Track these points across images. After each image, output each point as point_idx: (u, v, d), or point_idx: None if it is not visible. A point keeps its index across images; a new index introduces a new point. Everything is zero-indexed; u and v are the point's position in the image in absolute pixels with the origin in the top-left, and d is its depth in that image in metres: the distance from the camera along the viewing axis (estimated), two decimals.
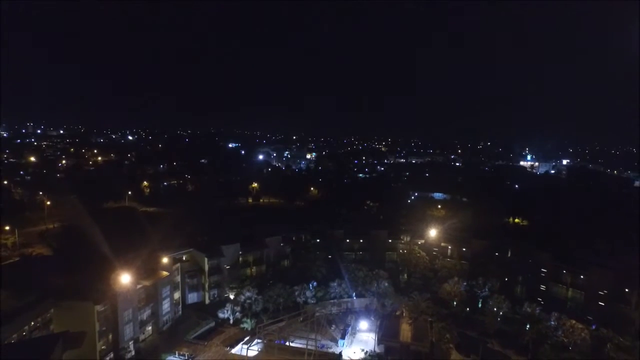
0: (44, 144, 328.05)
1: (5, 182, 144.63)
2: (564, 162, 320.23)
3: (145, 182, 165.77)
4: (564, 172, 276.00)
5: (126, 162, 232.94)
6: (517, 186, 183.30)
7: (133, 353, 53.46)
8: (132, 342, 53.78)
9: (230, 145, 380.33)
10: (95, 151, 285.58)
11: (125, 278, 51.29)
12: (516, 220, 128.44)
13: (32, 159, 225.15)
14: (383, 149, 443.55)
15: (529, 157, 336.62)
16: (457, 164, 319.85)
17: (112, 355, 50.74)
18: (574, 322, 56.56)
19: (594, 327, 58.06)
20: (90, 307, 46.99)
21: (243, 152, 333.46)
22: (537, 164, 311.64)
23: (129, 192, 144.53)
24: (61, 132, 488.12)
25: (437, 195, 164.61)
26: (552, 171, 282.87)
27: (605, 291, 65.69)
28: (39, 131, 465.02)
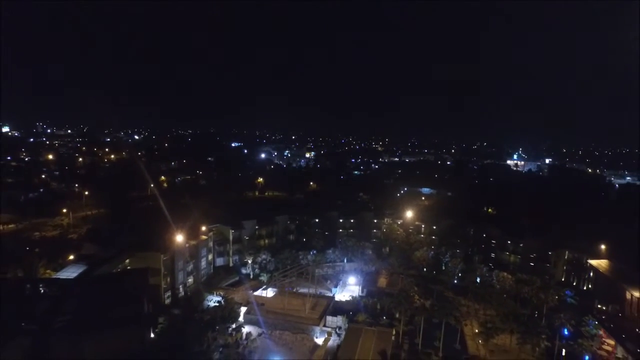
0: (56, 143, 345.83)
1: (43, 177, 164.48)
2: (547, 161, 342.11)
3: (162, 177, 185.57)
4: (545, 170, 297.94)
5: (143, 159, 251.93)
6: (496, 181, 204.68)
7: (182, 294, 73.54)
8: (181, 285, 73.97)
9: (233, 145, 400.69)
10: (107, 149, 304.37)
11: (179, 237, 71.53)
12: (489, 210, 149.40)
13: (50, 157, 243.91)
14: (379, 149, 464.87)
15: (515, 157, 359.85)
16: (448, 162, 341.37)
17: (169, 293, 70.82)
18: (505, 273, 77.25)
19: None
20: (158, 255, 67.00)
21: (246, 151, 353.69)
22: (521, 162, 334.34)
23: (151, 185, 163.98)
24: (69, 131, 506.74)
25: (425, 190, 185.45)
26: (534, 169, 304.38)
27: (535, 255, 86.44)
28: (48, 130, 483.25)
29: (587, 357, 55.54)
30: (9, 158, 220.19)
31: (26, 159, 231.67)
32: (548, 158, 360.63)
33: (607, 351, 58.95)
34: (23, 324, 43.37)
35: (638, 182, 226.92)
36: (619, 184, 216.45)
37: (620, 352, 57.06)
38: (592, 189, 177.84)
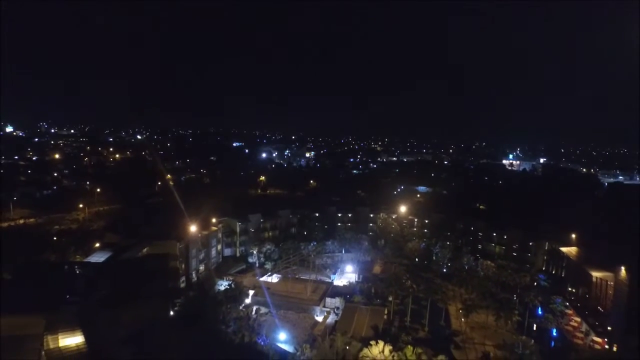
0: (61, 143, 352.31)
1: (55, 174, 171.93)
2: (541, 160, 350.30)
3: (168, 175, 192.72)
4: (539, 169, 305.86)
5: (149, 158, 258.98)
6: (489, 180, 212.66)
7: (195, 279, 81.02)
8: (194, 272, 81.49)
9: (234, 144, 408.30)
10: (111, 149, 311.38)
11: (192, 228, 79.06)
12: (480, 206, 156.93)
13: (57, 156, 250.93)
14: (378, 149, 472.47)
15: (510, 157, 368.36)
16: (445, 162, 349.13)
17: (184, 278, 78.27)
18: (488, 262, 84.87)
19: None
20: (174, 243, 74.43)
21: (247, 150, 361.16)
22: (517, 162, 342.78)
23: (159, 183, 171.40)
24: (72, 131, 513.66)
25: (421, 188, 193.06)
26: (528, 169, 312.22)
27: (518, 245, 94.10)
28: (52, 130, 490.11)
29: (554, 330, 63.14)
30: (16, 157, 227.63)
31: (33, 158, 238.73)
32: (543, 158, 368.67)
33: (573, 327, 66.62)
34: (67, 297, 50.93)
35: (626, 182, 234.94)
36: (608, 183, 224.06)
37: (584, 327, 64.74)
38: (580, 186, 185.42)
